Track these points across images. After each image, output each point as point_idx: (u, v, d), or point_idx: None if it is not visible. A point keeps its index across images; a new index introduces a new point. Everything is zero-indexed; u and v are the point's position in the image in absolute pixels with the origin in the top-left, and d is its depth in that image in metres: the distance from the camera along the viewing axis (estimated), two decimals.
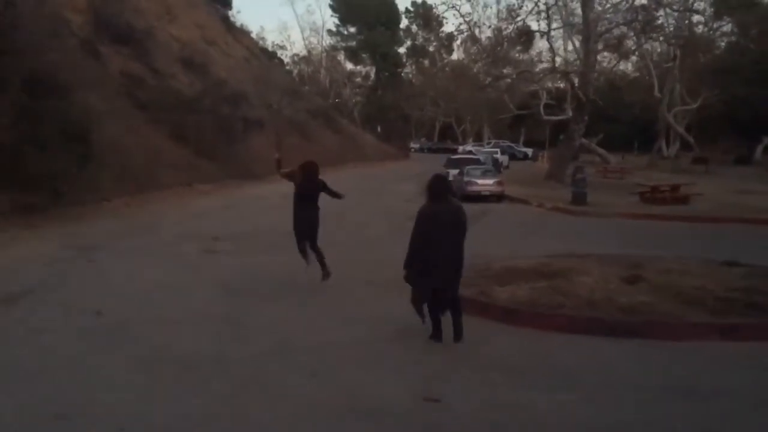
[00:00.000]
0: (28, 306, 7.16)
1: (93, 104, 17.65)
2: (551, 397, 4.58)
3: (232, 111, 25.95)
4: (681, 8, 31.87)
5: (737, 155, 42.06)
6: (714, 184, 22.62)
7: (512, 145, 54.41)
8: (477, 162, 25.45)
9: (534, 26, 29.88)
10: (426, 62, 73.79)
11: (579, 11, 27.97)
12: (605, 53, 35.29)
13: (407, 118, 70.16)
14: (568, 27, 31.72)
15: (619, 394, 4.70)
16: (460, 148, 45.84)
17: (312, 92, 54.81)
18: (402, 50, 74.14)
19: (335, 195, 8.41)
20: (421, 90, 66.39)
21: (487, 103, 50.79)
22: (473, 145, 50.67)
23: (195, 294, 7.83)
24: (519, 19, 26.99)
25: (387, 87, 69.26)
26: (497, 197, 19.99)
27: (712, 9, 37.97)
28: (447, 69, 63.78)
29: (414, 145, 66.63)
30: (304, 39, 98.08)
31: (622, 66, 45.35)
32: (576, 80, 27.70)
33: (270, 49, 61.27)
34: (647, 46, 37.33)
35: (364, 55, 70.52)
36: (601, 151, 39.78)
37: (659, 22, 31.12)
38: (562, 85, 41.94)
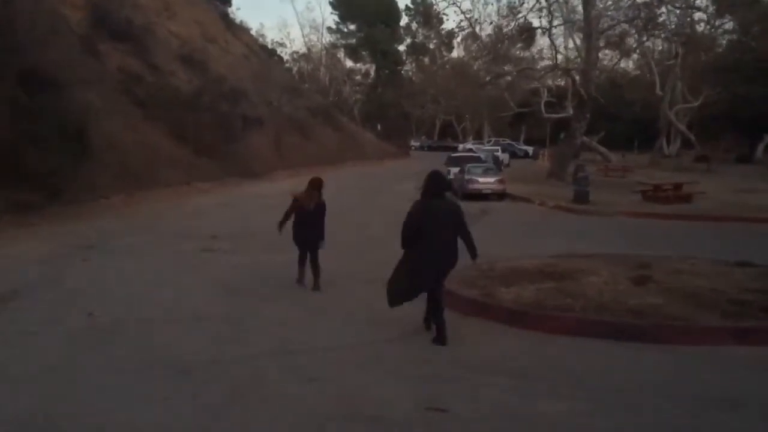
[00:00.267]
0: (19, 306, 6.98)
1: (91, 101, 17.49)
2: (561, 404, 4.39)
3: (231, 108, 25.78)
4: (683, 5, 31.67)
5: (738, 153, 41.88)
6: (716, 183, 22.46)
7: (513, 143, 54.21)
8: (478, 160, 25.29)
9: (535, 23, 29.49)
10: (426, 60, 73.59)
11: (580, 8, 27.82)
12: (606, 51, 35.10)
13: (407, 116, 69.94)
14: (570, 24, 31.50)
15: (633, 402, 4.49)
16: (461, 146, 45.60)
17: (312, 90, 54.57)
18: (402, 48, 73.98)
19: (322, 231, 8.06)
20: (421, 88, 66.18)
21: (488, 100, 50.61)
22: (473, 143, 50.48)
23: (192, 294, 7.65)
24: (520, 15, 26.81)
25: (387, 85, 69.06)
26: (499, 196, 19.84)
27: (714, 6, 37.74)
28: (447, 67, 63.62)
29: (414, 143, 66.44)
30: (303, 36, 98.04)
31: (623, 64, 45.17)
32: (577, 78, 27.50)
33: (269, 46, 61.11)
34: (649, 43, 37.14)
35: (364, 53, 70.31)
36: (602, 149, 39.59)
37: (661, 19, 30.88)
38: (562, 83, 41.80)
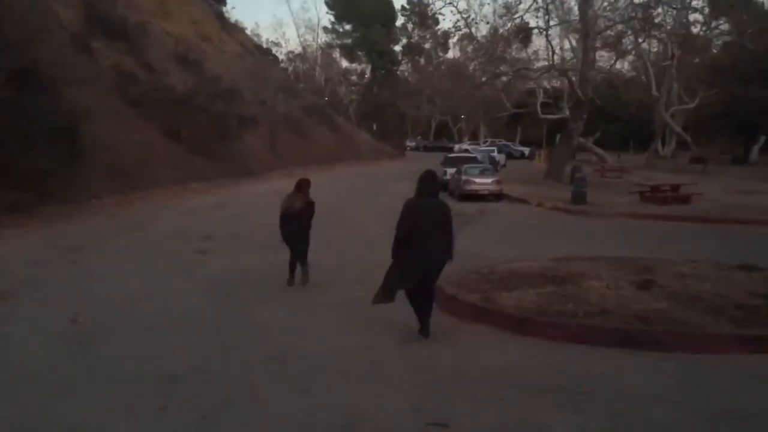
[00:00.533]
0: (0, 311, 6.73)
1: (83, 100, 17.24)
2: (570, 417, 4.16)
3: (226, 108, 25.55)
4: (679, 6, 31.59)
5: (733, 155, 41.88)
6: (713, 184, 22.34)
7: (508, 143, 54.13)
8: (475, 161, 25.12)
9: (532, 23, 29.28)
10: (422, 60, 73.48)
11: (576, 10, 27.72)
12: (602, 52, 34.98)
13: (403, 117, 69.80)
14: (567, 24, 31.38)
15: (646, 415, 4.26)
16: (456, 147, 45.48)
17: (307, 90, 54.34)
18: (398, 48, 73.82)
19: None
20: (417, 88, 66.06)
21: (484, 101, 50.47)
22: (469, 144, 50.35)
23: (181, 298, 7.41)
24: (517, 15, 26.68)
25: (383, 85, 68.89)
26: (496, 196, 19.69)
27: (709, 8, 37.73)
28: (443, 67, 63.47)
29: (410, 144, 66.32)
30: (299, 36, 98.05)
31: (618, 65, 45.08)
32: (574, 78, 27.37)
33: (265, 46, 60.88)
34: (645, 45, 37.07)
35: (359, 53, 70.11)
36: (598, 150, 39.51)
37: (657, 20, 30.80)
38: (558, 84, 41.71)
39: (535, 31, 29.37)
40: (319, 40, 71.15)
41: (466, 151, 35.94)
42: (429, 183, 5.91)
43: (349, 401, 4.47)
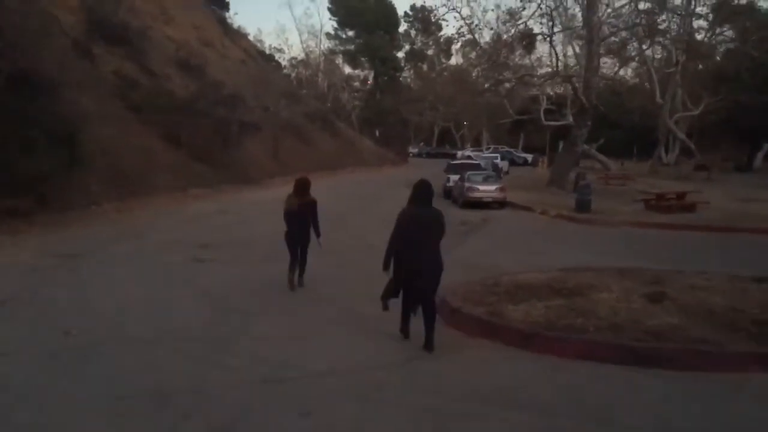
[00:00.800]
0: None
1: (84, 105, 17.10)
2: None
3: (228, 114, 25.36)
4: (683, 12, 31.43)
5: (737, 162, 41.63)
6: (718, 192, 22.13)
7: (511, 150, 53.93)
8: (478, 167, 24.92)
9: (536, 29, 29.16)
10: (425, 67, 73.40)
11: (580, 16, 27.57)
12: (606, 59, 34.84)
13: (406, 123, 69.65)
14: (571, 30, 31.22)
15: None
16: (459, 153, 45.28)
17: (310, 96, 54.22)
18: (401, 54, 73.77)
19: (316, 229, 8.16)
20: (419, 94, 65.91)
21: (487, 107, 50.25)
22: (472, 150, 50.16)
23: (178, 310, 7.20)
24: (521, 21, 26.52)
25: (385, 91, 68.78)
26: (500, 204, 19.47)
27: (713, 15, 37.60)
28: (446, 73, 63.36)
29: (413, 150, 66.12)
30: (302, 42, 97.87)
31: (622, 71, 44.91)
32: (578, 85, 27.19)
33: (267, 52, 60.76)
34: (649, 51, 36.91)
35: (362, 59, 70.07)
36: (601, 157, 39.24)
37: (662, 27, 30.65)
38: (562, 90, 41.51)
39: (539, 37, 29.18)
40: (322, 46, 71.16)
41: (469, 157, 35.72)
42: (423, 192, 5.96)
43: (350, 426, 4.26)
